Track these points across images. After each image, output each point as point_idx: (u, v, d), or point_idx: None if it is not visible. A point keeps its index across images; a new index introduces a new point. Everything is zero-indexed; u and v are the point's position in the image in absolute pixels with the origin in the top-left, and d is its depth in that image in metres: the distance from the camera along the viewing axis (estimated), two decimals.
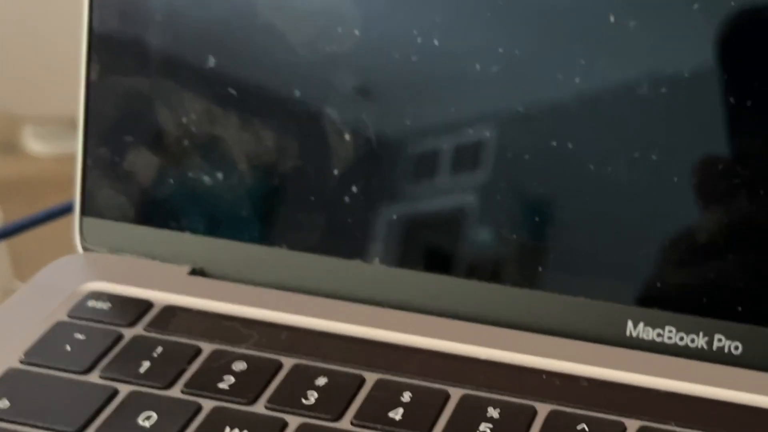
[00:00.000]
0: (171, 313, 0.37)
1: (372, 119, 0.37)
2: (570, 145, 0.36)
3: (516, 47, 0.35)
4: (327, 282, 0.38)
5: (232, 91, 0.38)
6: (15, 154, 0.70)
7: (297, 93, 0.37)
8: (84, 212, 0.39)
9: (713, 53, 0.34)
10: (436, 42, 0.36)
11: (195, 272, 0.39)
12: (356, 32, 0.36)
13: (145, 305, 0.37)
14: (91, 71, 0.38)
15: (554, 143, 0.36)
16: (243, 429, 0.33)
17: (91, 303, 0.37)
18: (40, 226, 0.50)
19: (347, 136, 0.37)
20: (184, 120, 0.38)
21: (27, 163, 0.70)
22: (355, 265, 0.38)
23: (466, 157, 0.36)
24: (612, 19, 0.35)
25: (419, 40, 0.36)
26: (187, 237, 0.39)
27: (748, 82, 0.34)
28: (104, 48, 0.38)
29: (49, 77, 0.65)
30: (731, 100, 0.34)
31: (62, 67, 0.60)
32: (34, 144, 0.68)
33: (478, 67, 0.36)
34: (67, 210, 0.47)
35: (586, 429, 0.33)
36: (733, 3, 0.34)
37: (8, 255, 0.56)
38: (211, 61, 0.38)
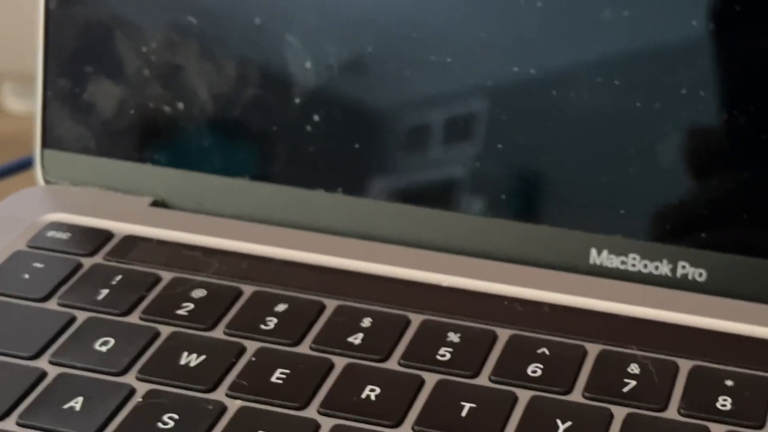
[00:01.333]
0: (131, 242, 0.37)
1: (333, 47, 0.37)
2: (532, 71, 0.35)
3: None
4: (289, 212, 0.37)
5: (192, 20, 0.37)
6: None
7: (257, 21, 0.37)
8: (45, 144, 0.39)
9: None
10: None
11: (157, 204, 0.38)
12: None
13: (105, 235, 0.37)
14: (49, 0, 0.38)
15: (516, 69, 0.36)
16: (201, 354, 0.33)
17: (51, 233, 0.37)
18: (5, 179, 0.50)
19: (308, 64, 0.37)
20: (144, 49, 0.38)
21: (6, 120, 0.70)
22: (317, 194, 0.37)
23: (428, 84, 0.36)
24: None
25: None
26: (148, 168, 0.38)
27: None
28: None
29: (27, 34, 0.65)
30: (693, 23, 0.34)
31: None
32: (13, 101, 0.69)
33: None
34: (26, 164, 0.46)
35: (546, 352, 0.33)
36: None
37: None
38: None
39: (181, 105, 0.38)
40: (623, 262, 0.36)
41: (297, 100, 0.37)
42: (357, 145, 0.37)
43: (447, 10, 0.36)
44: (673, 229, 0.35)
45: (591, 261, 0.36)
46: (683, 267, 0.35)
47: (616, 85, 0.35)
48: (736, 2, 0.34)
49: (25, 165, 0.46)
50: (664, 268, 0.35)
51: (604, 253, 0.36)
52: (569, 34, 0.35)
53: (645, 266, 0.35)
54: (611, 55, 0.35)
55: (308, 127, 0.37)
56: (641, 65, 0.35)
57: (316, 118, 0.37)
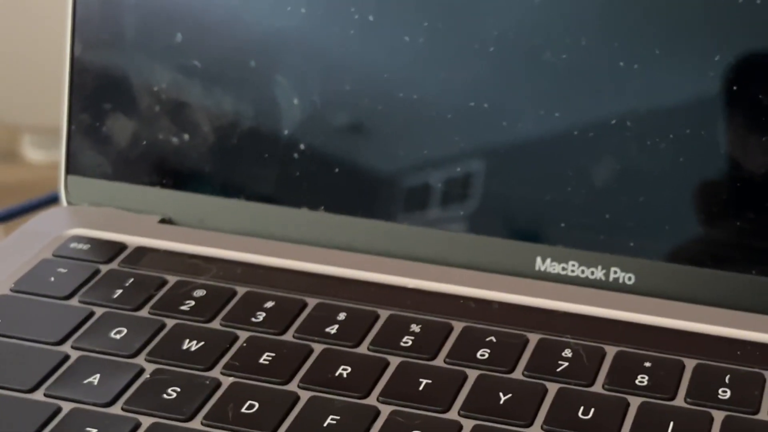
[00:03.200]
0: (142, 252, 0.43)
1: (316, 85, 0.43)
2: (485, 105, 0.41)
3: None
4: (278, 227, 0.43)
5: (197, 63, 0.44)
6: (14, 162, 0.73)
7: (252, 63, 0.43)
8: (68, 171, 0.45)
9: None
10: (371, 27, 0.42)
11: (164, 221, 0.44)
12: (302, 10, 0.42)
13: (120, 246, 0.43)
14: (75, 48, 0.44)
15: (472, 104, 0.41)
16: (200, 341, 0.38)
17: (73, 245, 0.43)
18: (31, 214, 0.55)
19: (295, 101, 0.43)
20: (155, 89, 0.44)
21: (25, 170, 0.74)
22: (302, 212, 0.43)
23: (395, 117, 0.42)
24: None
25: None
26: (157, 191, 0.44)
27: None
28: (86, 28, 0.44)
29: (46, 87, 0.68)
30: (620, 64, 0.40)
31: (59, 77, 0.65)
32: (32, 152, 0.71)
33: (407, 39, 0.42)
34: (54, 199, 0.52)
35: (494, 340, 0.38)
36: None
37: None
38: (179, 37, 0.43)
39: (186, 136, 0.44)
40: (564, 269, 0.41)
41: (285, 132, 0.43)
42: (336, 170, 0.43)
43: (408, 56, 0.42)
44: (606, 240, 0.41)
45: (536, 267, 0.41)
46: (615, 272, 0.41)
47: (555, 117, 0.41)
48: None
49: (53, 200, 0.52)
50: (599, 273, 0.41)
51: (548, 260, 0.41)
52: (511, 69, 0.41)
53: (582, 272, 0.41)
54: (554, 92, 0.41)
55: (295, 155, 0.43)
56: (576, 101, 0.41)
57: (302, 146, 0.43)
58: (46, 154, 0.71)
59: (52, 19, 0.66)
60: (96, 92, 0.45)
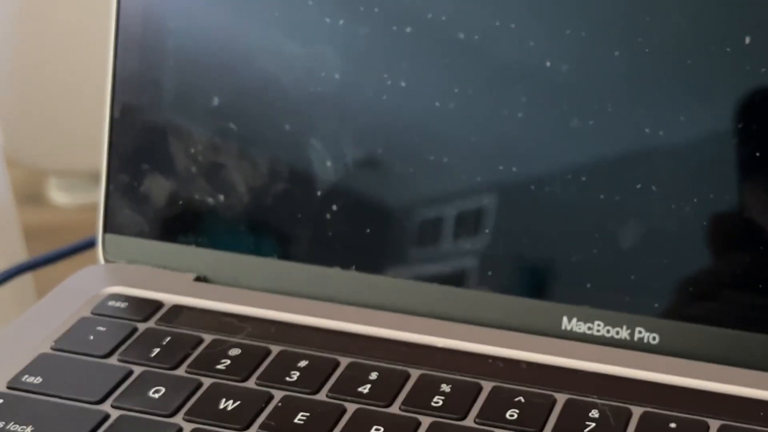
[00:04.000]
0: (178, 311, 0.44)
1: (348, 148, 0.44)
2: (513, 169, 0.43)
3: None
4: (311, 286, 0.44)
5: (233, 126, 0.45)
6: (40, 205, 0.73)
7: (287, 126, 0.44)
8: (106, 229, 0.46)
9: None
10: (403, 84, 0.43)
11: (199, 279, 0.45)
12: (336, 76, 0.44)
13: (157, 304, 0.44)
14: (114, 110, 0.46)
15: (501, 168, 0.43)
16: (237, 400, 0.39)
17: (111, 302, 0.44)
18: (65, 260, 0.57)
19: (329, 163, 0.44)
20: (192, 150, 0.45)
21: (52, 213, 0.74)
22: (334, 271, 0.44)
23: (425, 181, 0.43)
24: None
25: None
26: (193, 249, 0.46)
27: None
28: (125, 90, 0.46)
29: (72, 133, 0.69)
30: (646, 131, 0.41)
31: (84, 122, 0.66)
32: (58, 195, 0.73)
33: (438, 103, 0.43)
34: (89, 245, 0.54)
35: (522, 400, 0.39)
36: None
37: (35, 290, 0.62)
38: (215, 101, 0.45)
39: (221, 197, 0.45)
40: (589, 328, 0.42)
41: (318, 193, 0.44)
42: (368, 230, 0.44)
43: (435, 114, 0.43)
44: (631, 300, 0.42)
45: (563, 327, 0.42)
46: (639, 332, 0.42)
47: (582, 180, 0.42)
48: None
49: (89, 245, 0.53)
50: (624, 333, 0.42)
51: (574, 320, 0.42)
52: (546, 139, 0.42)
53: (608, 331, 0.42)
54: (581, 157, 0.42)
55: (328, 215, 0.44)
56: (603, 165, 0.42)
57: (334, 207, 0.44)
58: (71, 197, 0.72)
59: (78, 63, 0.68)
60: (134, 152, 0.46)
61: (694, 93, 0.41)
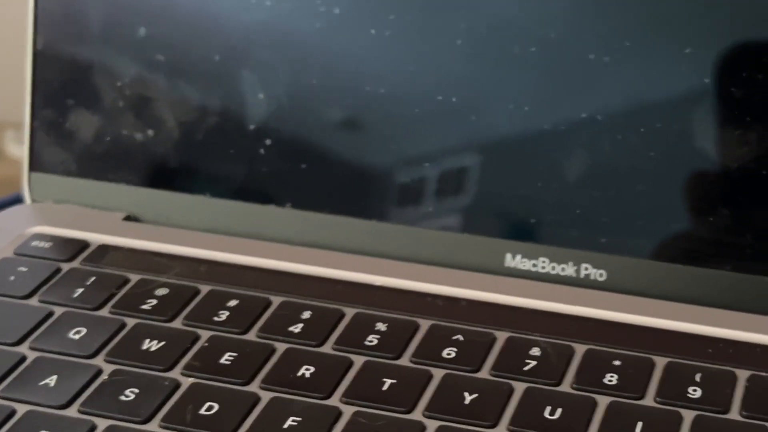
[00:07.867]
0: (105, 250, 0.42)
1: (282, 80, 0.42)
2: (454, 100, 0.41)
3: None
4: (245, 224, 0.42)
5: (161, 57, 0.43)
6: None
7: (217, 57, 0.42)
8: (31, 168, 0.44)
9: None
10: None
11: (129, 218, 0.44)
12: (267, 3, 0.42)
13: (83, 244, 0.42)
14: (37, 42, 0.43)
15: (440, 98, 0.41)
16: (161, 341, 0.37)
17: (35, 243, 0.42)
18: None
19: (261, 95, 0.42)
20: (119, 84, 0.43)
21: (7, 165, 0.74)
22: (269, 209, 0.42)
23: (362, 112, 0.41)
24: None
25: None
26: (121, 188, 0.44)
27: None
28: (47, 21, 0.43)
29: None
30: (590, 57, 0.39)
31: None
32: (14, 148, 0.72)
33: (374, 31, 0.41)
34: (17, 200, 0.51)
35: (461, 339, 0.38)
36: None
37: None
38: (142, 31, 0.43)
39: (150, 132, 0.43)
40: (534, 265, 0.40)
41: (251, 127, 0.42)
42: (303, 166, 0.42)
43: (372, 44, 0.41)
44: (578, 236, 0.40)
45: (506, 264, 0.41)
46: (586, 268, 0.40)
47: (526, 111, 0.40)
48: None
49: (16, 201, 0.51)
50: (570, 270, 0.40)
51: (518, 257, 0.41)
52: (481, 65, 0.41)
53: (553, 268, 0.40)
54: (522, 86, 0.40)
55: (261, 150, 0.42)
56: (547, 94, 0.40)
57: (268, 142, 0.42)
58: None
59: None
60: (59, 88, 0.44)
61: (639, 18, 0.39)
